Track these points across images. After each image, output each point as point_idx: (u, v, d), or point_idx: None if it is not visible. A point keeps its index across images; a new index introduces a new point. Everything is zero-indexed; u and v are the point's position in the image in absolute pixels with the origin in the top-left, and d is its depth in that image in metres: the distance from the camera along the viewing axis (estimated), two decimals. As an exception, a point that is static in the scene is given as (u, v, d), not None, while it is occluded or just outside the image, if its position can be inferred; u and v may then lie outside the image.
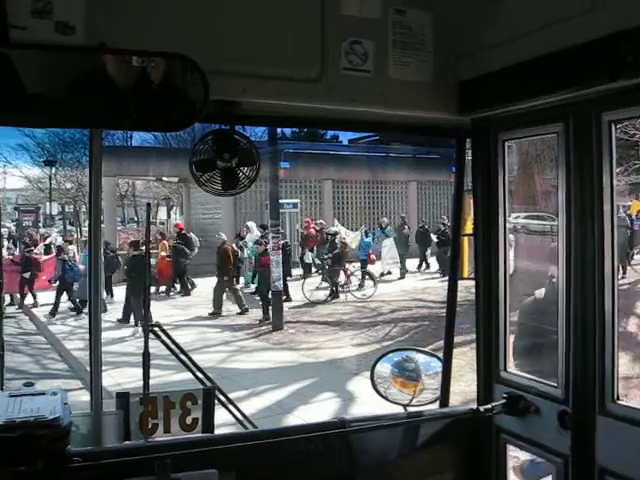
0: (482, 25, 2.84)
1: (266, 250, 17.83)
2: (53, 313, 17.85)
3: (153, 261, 19.13)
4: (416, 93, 2.94)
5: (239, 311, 17.82)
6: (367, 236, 23.26)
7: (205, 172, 2.74)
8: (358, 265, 21.28)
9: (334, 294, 19.80)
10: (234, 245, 19.99)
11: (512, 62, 2.65)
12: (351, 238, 22.91)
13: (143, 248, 16.74)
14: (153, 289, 18.00)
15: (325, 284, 20.43)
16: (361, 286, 20.51)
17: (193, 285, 21.10)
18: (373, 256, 22.57)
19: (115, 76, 2.37)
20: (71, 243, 20.91)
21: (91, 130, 3.03)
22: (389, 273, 22.97)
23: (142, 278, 15.47)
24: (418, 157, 29.35)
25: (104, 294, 18.51)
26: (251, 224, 23.50)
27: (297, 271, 23.05)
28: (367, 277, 20.74)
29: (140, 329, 14.90)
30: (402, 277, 22.98)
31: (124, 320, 16.35)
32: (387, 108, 2.93)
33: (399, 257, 23.21)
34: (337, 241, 21.01)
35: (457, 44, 2.96)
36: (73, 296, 18.17)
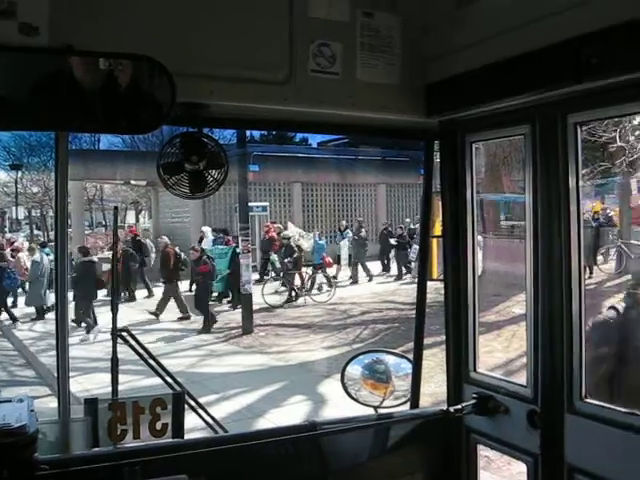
0: (449, 28, 2.86)
1: (201, 258, 17.31)
2: (14, 319, 17.71)
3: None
4: (384, 95, 2.95)
5: (180, 316, 17.47)
6: (320, 239, 22.99)
7: (173, 175, 2.72)
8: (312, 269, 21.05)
9: (290, 298, 19.71)
10: (177, 249, 19.34)
11: (478, 65, 2.67)
12: (305, 240, 22.79)
13: (93, 254, 16.92)
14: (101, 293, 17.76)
15: (284, 288, 20.38)
16: (319, 289, 20.47)
17: (132, 294, 20.51)
18: (329, 259, 22.39)
19: (81, 78, 2.34)
20: (18, 250, 20.41)
21: (57, 133, 2.99)
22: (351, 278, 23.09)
23: (91, 284, 15.70)
24: (387, 160, 29.50)
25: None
26: (205, 229, 23.33)
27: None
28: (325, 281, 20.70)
29: (92, 336, 14.91)
30: (355, 282, 22.95)
31: (78, 323, 16.05)
32: (355, 110, 2.93)
33: (355, 261, 23.22)
34: (292, 244, 20.95)
35: (424, 47, 2.98)
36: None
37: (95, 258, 17.35)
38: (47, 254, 18.96)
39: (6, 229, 33.20)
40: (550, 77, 2.45)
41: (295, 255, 20.51)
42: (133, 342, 3.27)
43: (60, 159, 2.93)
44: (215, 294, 19.71)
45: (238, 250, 17.61)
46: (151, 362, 3.32)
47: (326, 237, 24.62)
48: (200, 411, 3.34)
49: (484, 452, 3.30)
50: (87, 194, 33.79)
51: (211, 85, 2.60)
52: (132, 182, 30.22)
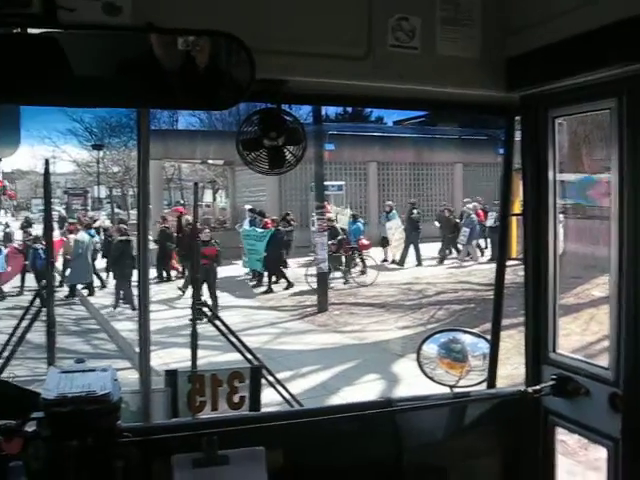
0: (531, 0, 2.78)
1: (209, 241, 16.42)
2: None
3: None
4: (464, 70, 2.89)
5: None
6: (356, 221, 22.55)
7: (252, 151, 2.75)
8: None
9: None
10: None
11: (563, 36, 2.58)
12: (342, 216, 22.50)
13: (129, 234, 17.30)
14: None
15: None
16: (363, 272, 20.06)
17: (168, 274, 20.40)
18: (364, 241, 21.44)
19: (161, 55, 2.37)
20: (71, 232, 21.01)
21: (138, 111, 3.06)
22: (393, 262, 22.50)
23: (128, 264, 15.98)
24: (464, 138, 29.05)
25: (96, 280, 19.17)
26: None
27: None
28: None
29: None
30: (401, 265, 22.14)
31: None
32: (434, 85, 2.89)
33: (407, 244, 22.47)
34: (337, 226, 20.49)
35: (505, 19, 2.90)
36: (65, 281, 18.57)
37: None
38: (92, 235, 19.59)
39: (88, 207, 34.14)
40: None
41: (339, 237, 20.08)
42: (212, 316, 3.33)
43: (142, 137, 2.99)
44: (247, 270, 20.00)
45: (281, 230, 17.95)
46: (229, 336, 3.39)
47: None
48: (277, 385, 3.39)
49: (560, 436, 3.24)
50: (166, 173, 34.42)
51: (290, 61, 2.59)
52: (209, 161, 30.65)
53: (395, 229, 22.72)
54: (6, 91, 2.23)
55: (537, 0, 2.74)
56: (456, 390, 3.33)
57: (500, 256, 3.48)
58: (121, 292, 16.80)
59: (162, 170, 29.86)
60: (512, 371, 6.91)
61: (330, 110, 33.68)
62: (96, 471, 2.17)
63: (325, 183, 19.07)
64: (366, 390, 9.67)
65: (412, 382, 8.70)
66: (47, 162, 3.08)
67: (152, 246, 17.91)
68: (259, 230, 20.42)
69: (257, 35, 2.41)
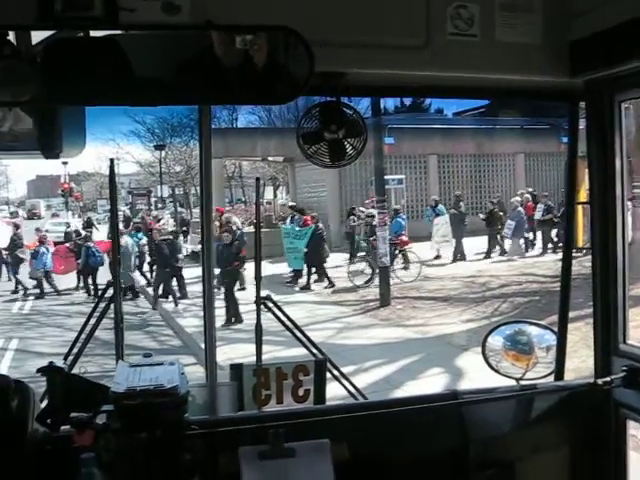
0: None
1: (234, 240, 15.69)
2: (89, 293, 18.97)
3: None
4: (525, 56, 2.83)
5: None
6: (397, 216, 21.96)
7: (312, 144, 2.76)
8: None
9: (372, 278, 18.77)
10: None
11: (628, 17, 2.49)
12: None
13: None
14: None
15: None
16: (405, 268, 19.63)
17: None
18: (404, 237, 20.70)
19: (221, 53, 2.40)
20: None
21: (200, 109, 3.10)
22: (437, 257, 21.88)
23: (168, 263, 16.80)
24: (526, 128, 28.55)
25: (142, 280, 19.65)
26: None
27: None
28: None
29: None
30: (455, 260, 21.55)
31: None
32: (495, 73, 2.84)
33: (454, 239, 21.88)
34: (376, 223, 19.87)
35: (567, 2, 2.82)
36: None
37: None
38: (139, 238, 20.33)
39: (152, 207, 34.78)
40: None
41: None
42: (276, 310, 3.35)
43: (204, 135, 3.03)
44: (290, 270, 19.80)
45: (320, 227, 18.03)
46: (294, 330, 3.40)
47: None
48: (341, 379, 3.39)
49: (631, 430, 3.15)
50: (227, 171, 34.84)
51: (348, 53, 2.59)
52: (270, 158, 30.88)
53: (442, 225, 22.16)
54: (71, 93, 2.28)
55: None
56: (522, 383, 3.28)
57: (566, 246, 3.42)
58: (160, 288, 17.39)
59: (223, 168, 30.19)
60: (579, 364, 6.78)
61: (389, 103, 33.63)
62: (164, 463, 2.20)
63: (385, 177, 18.94)
64: (430, 384, 9.61)
65: (476, 376, 8.61)
66: (112, 162, 3.13)
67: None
68: (297, 228, 20.31)
69: (315, 28, 2.40)
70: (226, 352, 10.28)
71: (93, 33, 2.35)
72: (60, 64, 2.23)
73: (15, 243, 21.00)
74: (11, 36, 2.27)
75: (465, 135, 28.16)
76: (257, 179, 3.74)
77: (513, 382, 3.31)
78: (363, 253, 20.22)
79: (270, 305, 3.31)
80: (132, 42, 2.36)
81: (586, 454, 3.15)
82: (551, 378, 3.31)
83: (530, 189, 24.87)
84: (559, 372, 3.30)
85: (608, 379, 2.98)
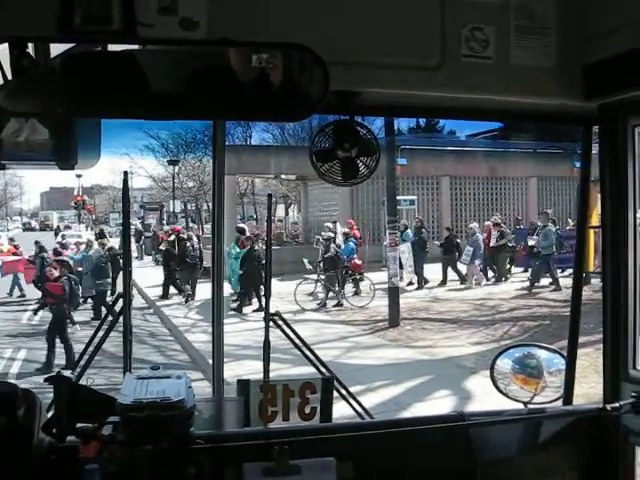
0: (610, 5, 2.71)
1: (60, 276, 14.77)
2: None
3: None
4: (539, 79, 2.84)
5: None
6: (347, 240, 21.32)
7: (325, 162, 2.77)
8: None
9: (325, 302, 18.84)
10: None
11: None
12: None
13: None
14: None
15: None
16: (356, 293, 19.46)
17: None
18: (356, 261, 20.37)
19: (236, 68, 2.42)
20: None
21: (214, 125, 3.13)
22: (411, 283, 21.34)
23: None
24: (539, 152, 28.55)
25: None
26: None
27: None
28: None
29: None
30: (419, 287, 21.05)
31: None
32: (509, 95, 2.85)
33: (414, 265, 21.20)
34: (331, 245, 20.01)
35: (582, 26, 2.83)
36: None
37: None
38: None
39: (164, 222, 34.93)
40: None
41: (328, 255, 19.69)
42: (285, 327, 3.36)
43: (217, 150, 3.06)
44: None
45: (256, 249, 18.08)
46: (302, 347, 3.40)
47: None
48: (348, 397, 3.38)
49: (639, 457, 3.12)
50: (239, 188, 34.96)
51: (363, 73, 2.61)
52: (282, 176, 30.97)
53: (408, 252, 21.28)
54: (87, 105, 2.31)
55: (615, 5, 2.67)
56: (530, 407, 3.26)
57: (577, 270, 3.40)
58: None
59: (236, 185, 30.29)
60: (588, 390, 6.73)
61: (402, 124, 33.67)
62: (169, 476, 2.20)
63: (397, 198, 18.95)
64: (438, 406, 9.55)
65: (484, 400, 8.56)
66: (126, 174, 3.16)
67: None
68: (237, 249, 19.84)
69: (331, 47, 2.42)
70: (233, 368, 10.27)
71: (110, 46, 2.38)
72: (77, 76, 2.25)
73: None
74: (30, 47, 2.30)
75: (478, 157, 28.16)
76: (269, 195, 3.76)
77: (521, 406, 3.30)
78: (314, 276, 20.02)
79: (279, 321, 3.32)
80: (148, 56, 2.39)
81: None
82: (559, 403, 3.28)
83: (497, 214, 24.51)
84: (568, 397, 3.28)
85: (617, 405, 2.96)
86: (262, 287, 17.36)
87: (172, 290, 20.37)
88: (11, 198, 52.51)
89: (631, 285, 3.04)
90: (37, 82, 2.28)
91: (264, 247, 16.43)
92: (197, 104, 2.45)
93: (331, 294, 19.12)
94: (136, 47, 2.41)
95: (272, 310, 3.33)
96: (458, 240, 22.60)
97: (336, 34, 2.55)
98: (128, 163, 34.00)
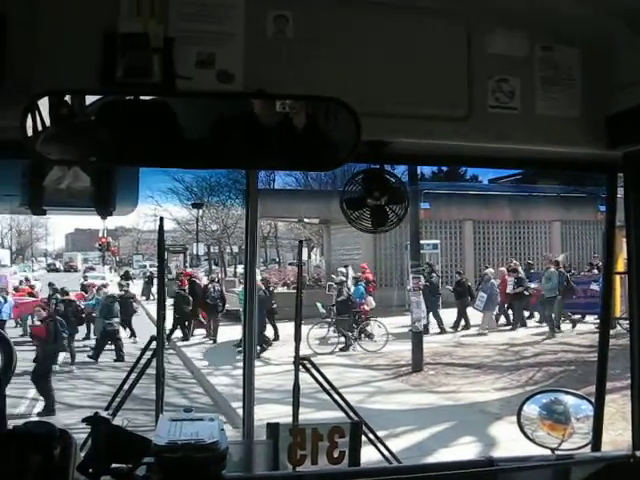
0: (633, 57, 2.78)
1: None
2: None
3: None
4: (564, 129, 2.90)
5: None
6: (358, 284, 21.49)
7: (356, 210, 2.83)
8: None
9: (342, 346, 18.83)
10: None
11: None
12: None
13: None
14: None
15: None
16: (369, 337, 19.35)
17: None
18: (365, 306, 20.45)
19: (269, 119, 2.50)
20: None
21: (247, 173, 3.21)
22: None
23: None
24: (562, 196, 28.49)
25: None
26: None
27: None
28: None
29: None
30: (442, 332, 20.74)
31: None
32: (534, 145, 2.91)
33: (427, 310, 20.21)
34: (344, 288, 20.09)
35: (606, 77, 2.90)
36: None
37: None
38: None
39: (187, 264, 35.10)
40: None
41: (341, 298, 19.79)
42: (314, 371, 3.39)
43: (251, 195, 3.14)
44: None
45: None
46: (331, 391, 3.42)
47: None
48: (376, 442, 3.38)
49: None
50: (262, 231, 35.14)
51: (393, 123, 2.68)
52: (305, 220, 31.10)
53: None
54: (122, 153, 2.39)
55: (637, 57, 2.74)
56: (558, 453, 3.24)
57: (604, 315, 3.40)
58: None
59: (259, 228, 30.46)
60: (616, 437, 6.64)
61: (425, 169, 33.79)
62: None
63: (420, 242, 18.96)
64: (462, 452, 9.44)
65: (509, 446, 8.45)
66: (162, 220, 3.24)
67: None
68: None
69: (362, 99, 2.50)
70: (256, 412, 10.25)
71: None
72: (113, 124, 2.34)
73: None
74: (67, 96, 2.40)
75: (501, 201, 28.16)
76: (300, 242, 3.82)
77: (548, 452, 3.28)
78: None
79: (308, 366, 3.35)
80: (183, 106, 2.48)
81: None
82: (587, 449, 3.26)
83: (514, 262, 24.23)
84: (596, 443, 3.25)
85: None
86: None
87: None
88: (37, 239, 53.21)
89: None
90: (75, 130, 2.37)
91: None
92: (231, 153, 2.53)
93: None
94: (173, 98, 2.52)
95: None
96: (469, 284, 22.48)
97: (367, 86, 2.63)
98: (153, 206, 34.41)
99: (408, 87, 2.70)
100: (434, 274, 22.49)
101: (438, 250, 26.06)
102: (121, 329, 19.13)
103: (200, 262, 37.17)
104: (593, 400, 3.31)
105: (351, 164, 2.89)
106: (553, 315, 19.96)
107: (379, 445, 3.38)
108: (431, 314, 20.87)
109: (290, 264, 35.72)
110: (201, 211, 35.23)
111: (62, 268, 47.27)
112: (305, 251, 37.51)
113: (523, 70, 2.87)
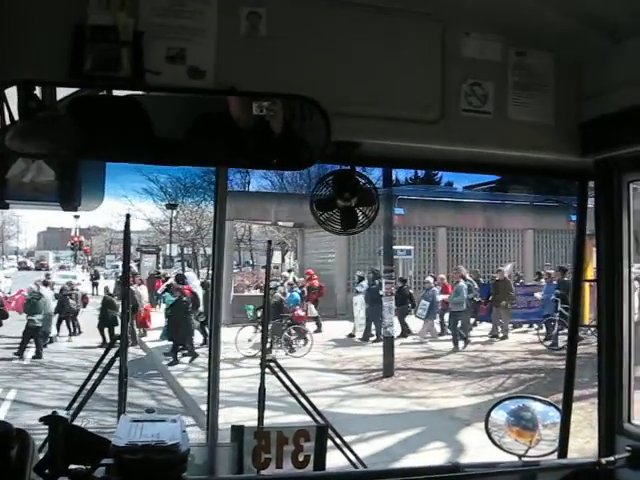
0: (606, 65, 2.79)
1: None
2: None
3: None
4: (537, 134, 2.91)
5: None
6: (292, 290, 21.05)
7: (325, 211, 2.81)
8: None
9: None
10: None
11: (638, 101, 2.58)
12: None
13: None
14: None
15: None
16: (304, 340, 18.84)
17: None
18: (299, 312, 19.85)
19: (240, 118, 2.48)
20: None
21: (217, 171, 3.17)
22: (352, 336, 21.03)
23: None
24: (535, 204, 28.75)
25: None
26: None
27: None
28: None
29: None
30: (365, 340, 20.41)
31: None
32: (506, 150, 2.91)
33: (367, 318, 20.54)
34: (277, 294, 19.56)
35: (579, 84, 2.91)
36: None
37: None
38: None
39: (160, 265, 34.87)
40: None
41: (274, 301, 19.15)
42: (281, 373, 3.35)
43: (219, 196, 3.10)
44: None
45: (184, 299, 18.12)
46: (297, 394, 3.39)
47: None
48: (342, 446, 3.35)
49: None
50: (236, 234, 35.02)
51: (364, 124, 2.66)
52: (280, 223, 31.04)
53: (361, 305, 21.18)
54: (91, 148, 2.36)
55: (611, 65, 2.75)
56: (525, 459, 3.23)
57: (572, 323, 3.42)
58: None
59: (233, 231, 30.35)
60: (584, 444, 6.67)
61: (400, 175, 33.97)
62: None
63: (394, 247, 18.99)
64: (431, 458, 9.43)
65: (478, 453, 8.46)
66: (128, 217, 3.18)
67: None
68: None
69: (333, 99, 2.48)
70: (224, 415, 10.16)
71: (116, 91, 2.44)
72: (83, 119, 2.31)
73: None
74: (37, 90, 2.35)
75: (475, 209, 28.30)
76: (269, 242, 3.78)
77: (515, 458, 3.28)
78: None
79: (275, 369, 3.31)
80: (153, 102, 2.45)
81: None
82: (554, 456, 3.26)
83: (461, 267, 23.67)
84: (562, 450, 3.26)
85: (612, 458, 2.94)
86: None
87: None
88: (8, 237, 52.54)
89: (625, 339, 3.05)
90: (43, 124, 2.33)
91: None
92: (200, 150, 2.50)
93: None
94: (141, 93, 2.48)
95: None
96: (411, 291, 22.28)
97: (339, 86, 2.61)
98: (126, 205, 34.13)
99: (380, 88, 2.68)
100: (377, 281, 21.48)
101: (412, 256, 26.16)
102: (54, 327, 19.19)
103: (173, 263, 36.94)
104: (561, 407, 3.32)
105: (326, 167, 2.88)
106: (459, 327, 19.78)
107: (345, 450, 3.35)
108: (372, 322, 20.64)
109: (263, 267, 35.53)
110: (175, 212, 35.03)
111: (33, 267, 46.71)
112: (278, 254, 37.46)
113: (497, 74, 2.87)
